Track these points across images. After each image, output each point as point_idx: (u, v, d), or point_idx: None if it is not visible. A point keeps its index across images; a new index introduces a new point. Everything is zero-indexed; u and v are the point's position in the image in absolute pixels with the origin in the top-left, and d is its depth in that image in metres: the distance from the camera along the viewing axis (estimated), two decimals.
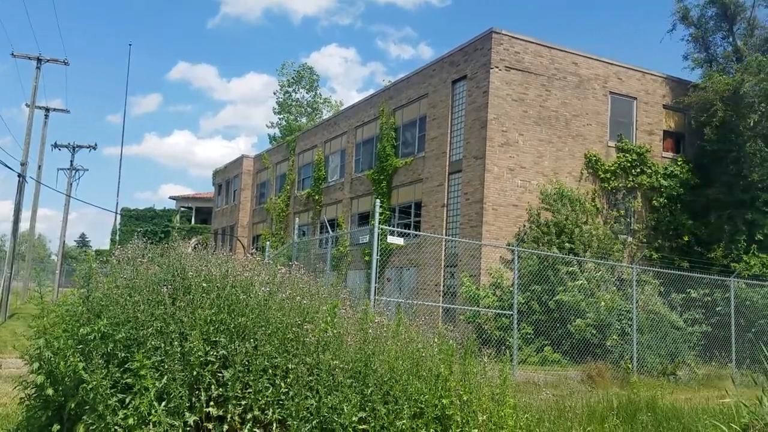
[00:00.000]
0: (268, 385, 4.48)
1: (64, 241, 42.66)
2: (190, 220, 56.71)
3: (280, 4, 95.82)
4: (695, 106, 23.79)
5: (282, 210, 35.84)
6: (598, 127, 23.22)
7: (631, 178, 23.29)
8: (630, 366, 14.81)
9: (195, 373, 4.45)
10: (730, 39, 25.25)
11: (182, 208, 57.74)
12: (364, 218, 27.86)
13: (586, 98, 23.06)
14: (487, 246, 19.72)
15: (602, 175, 22.88)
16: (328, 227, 15.14)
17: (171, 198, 60.32)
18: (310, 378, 4.50)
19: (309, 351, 4.62)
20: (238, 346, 4.51)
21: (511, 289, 17.40)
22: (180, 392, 4.33)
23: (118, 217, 51.05)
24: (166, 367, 4.36)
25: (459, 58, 23.36)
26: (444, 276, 22.70)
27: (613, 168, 23.03)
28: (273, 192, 38.33)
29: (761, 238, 22.41)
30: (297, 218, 17.29)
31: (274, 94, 56.22)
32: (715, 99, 22.49)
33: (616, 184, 23.02)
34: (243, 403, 4.46)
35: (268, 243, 15.92)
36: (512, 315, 15.27)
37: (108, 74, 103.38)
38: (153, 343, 4.46)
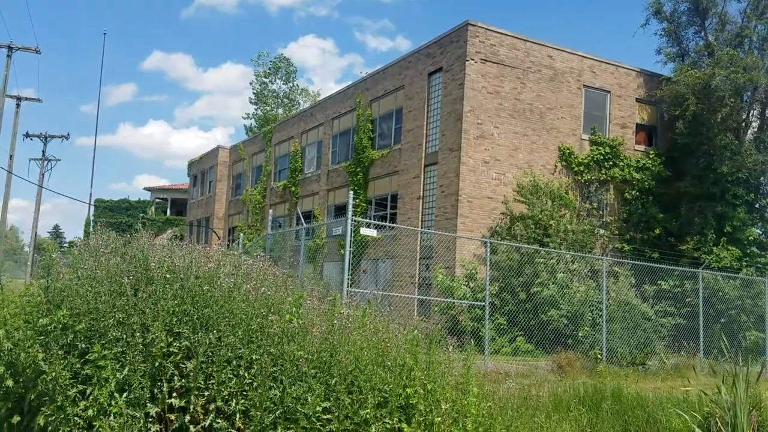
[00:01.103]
0: (231, 375, 4.48)
1: (36, 233, 42.00)
2: (165, 212, 56.12)
3: None
4: (667, 100, 24.12)
5: (258, 201, 35.65)
6: (572, 120, 23.44)
7: (603, 171, 23.58)
8: (599, 356, 15.04)
9: (157, 364, 4.43)
10: (702, 34, 25.57)
11: (157, 200, 57.13)
12: (341, 210, 27.83)
13: (561, 91, 23.25)
14: (461, 238, 19.84)
15: (575, 168, 23.12)
16: (302, 219, 15.08)
17: (146, 189, 59.64)
18: (274, 368, 4.51)
19: (273, 342, 4.63)
20: (201, 337, 4.49)
21: (484, 280, 17.55)
22: (141, 383, 4.31)
23: (92, 208, 50.31)
24: (128, 358, 4.34)
25: (435, 50, 23.39)
26: (419, 268, 22.80)
27: (586, 161, 23.29)
28: (249, 183, 38.10)
29: (730, 230, 22.83)
30: (272, 210, 17.18)
31: (250, 84, 55.71)
32: (687, 92, 22.80)
33: (589, 177, 23.28)
34: (206, 394, 4.45)
35: (242, 234, 15.83)
36: (485, 306, 15.39)
37: (82, 64, 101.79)
38: (114, 334, 4.43)
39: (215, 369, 4.40)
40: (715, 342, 19.36)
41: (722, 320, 20.51)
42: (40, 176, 36.38)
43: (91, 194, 46.06)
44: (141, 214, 54.22)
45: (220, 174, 41.83)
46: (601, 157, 23.52)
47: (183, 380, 4.45)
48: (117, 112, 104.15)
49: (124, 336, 4.40)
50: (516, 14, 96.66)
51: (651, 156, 24.57)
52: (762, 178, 24.63)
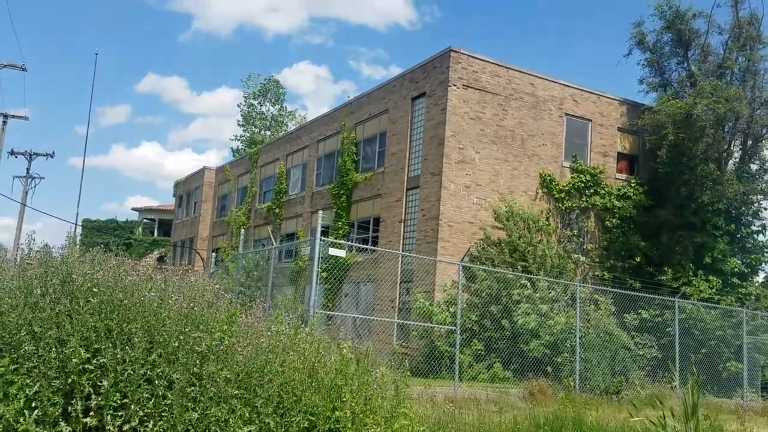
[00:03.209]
0: (148, 395, 4.32)
1: (18, 251, 41.50)
2: (153, 233, 55.73)
3: (253, 21, 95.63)
4: (649, 129, 24.25)
5: (243, 223, 35.45)
6: (554, 148, 23.51)
7: (584, 199, 23.59)
8: (572, 383, 14.85)
9: (70, 380, 4.27)
10: (685, 64, 25.83)
11: (145, 220, 56.77)
12: (324, 233, 27.66)
13: (542, 119, 23.35)
14: (441, 262, 19.72)
15: (556, 195, 23.12)
16: (272, 239, 14.96)
17: (134, 209, 59.28)
18: (193, 389, 4.34)
19: (197, 361, 4.47)
20: (120, 353, 4.34)
21: (463, 305, 17.39)
22: (54, 400, 4.14)
23: (79, 228, 49.89)
24: (40, 373, 4.18)
25: (418, 75, 23.51)
26: (400, 292, 22.62)
27: (567, 188, 23.30)
28: (234, 204, 37.95)
29: (710, 261, 22.79)
30: (243, 230, 17.06)
31: (238, 106, 55.75)
32: (668, 122, 22.94)
33: (570, 204, 23.27)
34: (121, 413, 4.28)
35: (214, 254, 15.66)
36: (462, 331, 15.22)
37: (77, 84, 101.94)
38: (28, 348, 4.27)
39: (132, 388, 4.24)
40: (693, 372, 19.20)
41: (703, 350, 20.36)
42: (23, 194, 36.10)
43: (77, 214, 45.78)
44: (128, 234, 53.84)
45: (206, 195, 41.67)
46: (582, 185, 23.56)
47: (99, 398, 4.29)
48: (110, 133, 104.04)
49: (38, 350, 4.24)
50: (502, 45, 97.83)
51: (632, 184, 24.62)
52: (743, 209, 24.70)
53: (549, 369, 16.18)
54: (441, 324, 17.35)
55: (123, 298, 4.55)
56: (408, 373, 5.93)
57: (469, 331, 17.45)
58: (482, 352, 17.29)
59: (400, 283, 22.58)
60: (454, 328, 16.19)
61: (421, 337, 18.72)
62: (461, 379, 15.43)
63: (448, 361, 16.18)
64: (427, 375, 15.91)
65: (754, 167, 25.13)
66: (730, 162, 25.13)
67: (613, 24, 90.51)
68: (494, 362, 17.17)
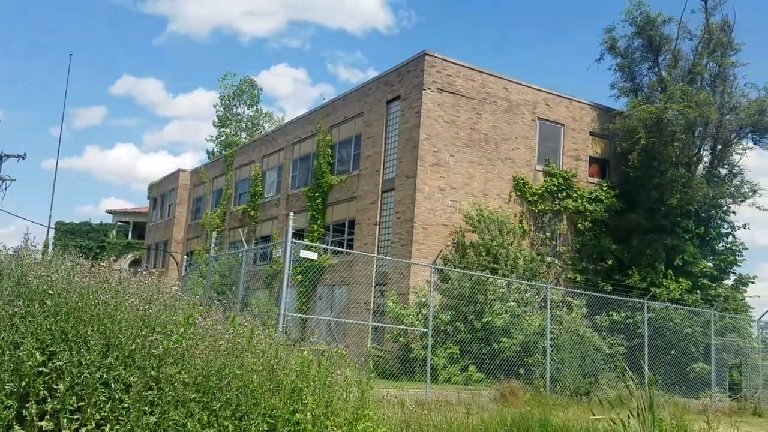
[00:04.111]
0: (105, 399, 4.28)
1: None
2: (127, 235, 55.01)
3: (230, 24, 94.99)
4: (620, 134, 24.58)
5: (217, 225, 35.21)
6: (527, 151, 23.73)
7: (557, 202, 23.84)
8: (542, 385, 14.97)
9: (24, 383, 4.22)
10: (656, 69, 26.21)
11: (119, 223, 56.06)
12: (299, 236, 27.58)
13: (516, 123, 23.56)
14: (415, 264, 19.77)
15: (530, 198, 23.33)
16: (244, 242, 14.89)
17: (108, 212, 58.48)
18: (150, 392, 4.31)
19: (152, 364, 4.44)
20: (76, 356, 4.29)
21: (436, 307, 17.45)
22: (8, 403, 4.09)
23: (52, 231, 49.07)
24: None
25: (393, 79, 23.57)
26: (374, 294, 22.63)
27: (540, 191, 23.53)
28: (209, 207, 37.66)
29: (680, 263, 23.15)
30: (215, 233, 16.94)
31: (214, 107, 55.28)
32: (639, 126, 23.27)
33: (542, 207, 23.50)
34: (77, 417, 4.24)
35: (185, 257, 15.53)
36: (434, 334, 15.27)
37: (51, 86, 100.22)
38: None
39: (88, 391, 4.20)
40: (662, 373, 19.50)
41: (672, 351, 20.65)
42: None
43: (50, 216, 44.99)
44: (102, 237, 53.10)
45: (180, 197, 41.28)
46: (555, 188, 23.81)
47: (55, 402, 4.24)
48: (85, 135, 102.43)
49: None
50: (475, 48, 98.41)
51: (604, 188, 24.94)
52: (712, 212, 25.14)
53: (521, 371, 16.30)
54: (414, 326, 17.38)
55: (78, 301, 4.50)
56: (373, 374, 5.94)
57: (443, 333, 17.51)
58: (456, 355, 17.36)
59: (375, 285, 22.59)
60: (427, 330, 16.25)
61: (395, 340, 18.74)
62: (435, 382, 15.48)
63: (421, 363, 16.21)
64: (400, 378, 15.93)
65: (723, 171, 25.59)
66: (700, 166, 25.57)
67: (584, 29, 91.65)
68: (468, 364, 17.25)
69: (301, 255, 12.51)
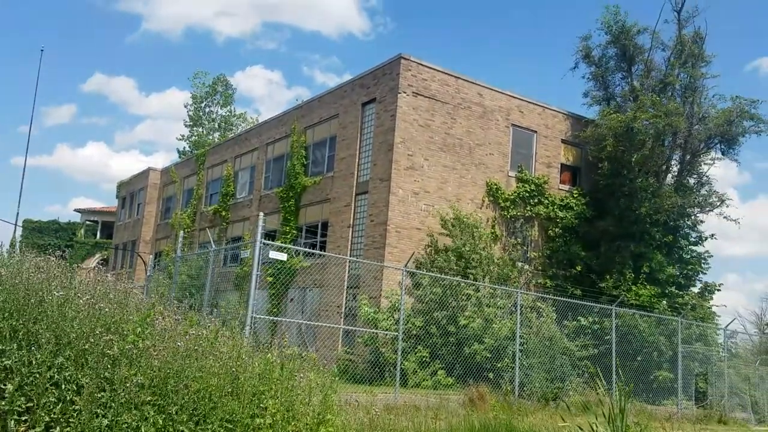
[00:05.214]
0: (55, 400, 4.11)
1: None
2: (95, 235, 54.00)
3: (203, 24, 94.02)
4: (591, 142, 24.84)
5: (188, 226, 34.70)
6: (500, 157, 23.83)
7: (529, 208, 23.98)
8: (510, 390, 14.98)
9: None
10: (629, 79, 26.55)
11: (87, 222, 55.01)
12: (271, 237, 27.31)
13: (489, 128, 23.66)
14: (387, 267, 19.68)
15: (502, 204, 23.43)
16: (212, 242, 14.66)
17: (76, 211, 57.35)
18: (103, 394, 4.15)
19: (106, 365, 4.27)
20: (26, 355, 4.12)
21: (408, 312, 17.37)
22: None
23: (19, 229, 47.92)
24: None
25: (369, 81, 23.50)
26: (346, 297, 22.48)
27: (512, 197, 23.65)
28: (179, 207, 37.11)
29: (647, 270, 23.41)
30: (181, 233, 16.64)
31: (185, 107, 54.55)
32: (608, 135, 23.54)
33: (515, 213, 23.62)
34: (26, 418, 4.06)
35: (151, 257, 15.24)
36: (405, 338, 15.20)
37: (20, 83, 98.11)
38: None
39: (38, 392, 4.03)
40: (628, 379, 19.65)
41: (639, 358, 20.85)
42: None
43: (18, 214, 43.94)
44: (70, 236, 52.05)
45: (150, 196, 40.63)
46: (527, 194, 23.95)
47: (3, 403, 4.05)
48: (55, 133, 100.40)
49: None
50: (450, 54, 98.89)
51: (575, 195, 25.16)
52: (680, 221, 25.50)
53: (491, 375, 16.29)
54: (386, 330, 17.27)
55: (27, 297, 4.32)
56: (342, 379, 5.83)
57: (415, 337, 17.44)
58: (427, 359, 17.30)
59: (347, 288, 22.44)
60: (398, 334, 16.17)
61: (367, 344, 18.61)
62: (405, 386, 15.39)
63: (391, 367, 16.12)
64: (371, 382, 15.81)
65: (691, 181, 25.99)
66: (669, 176, 25.94)
67: (561, 37, 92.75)
68: (438, 369, 17.20)
69: (270, 256, 12.33)
